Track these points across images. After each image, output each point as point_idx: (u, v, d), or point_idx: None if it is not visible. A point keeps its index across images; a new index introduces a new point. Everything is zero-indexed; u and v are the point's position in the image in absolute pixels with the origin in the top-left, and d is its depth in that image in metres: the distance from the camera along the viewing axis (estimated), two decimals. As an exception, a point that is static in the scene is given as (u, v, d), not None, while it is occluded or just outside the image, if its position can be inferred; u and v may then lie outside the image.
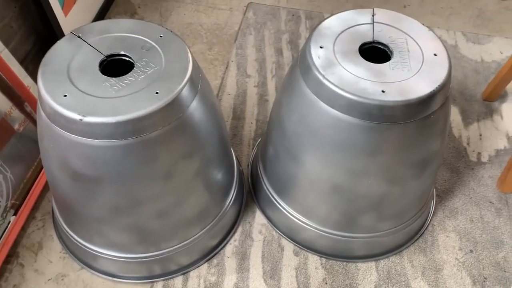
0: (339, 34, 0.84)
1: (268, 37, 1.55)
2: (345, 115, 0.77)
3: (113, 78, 0.75)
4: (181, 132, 0.78)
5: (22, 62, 1.21)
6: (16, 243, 1.03)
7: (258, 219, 1.09)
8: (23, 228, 1.05)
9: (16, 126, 1.09)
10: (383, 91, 0.74)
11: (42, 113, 0.75)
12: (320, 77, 0.78)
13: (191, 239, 0.94)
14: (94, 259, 0.96)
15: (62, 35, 1.31)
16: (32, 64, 1.26)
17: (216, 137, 0.89)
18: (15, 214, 1.05)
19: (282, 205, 1.03)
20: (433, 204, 1.13)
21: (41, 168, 1.15)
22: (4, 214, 1.03)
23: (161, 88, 0.73)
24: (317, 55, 0.81)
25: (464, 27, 1.63)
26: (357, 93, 0.74)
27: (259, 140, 1.23)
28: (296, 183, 0.95)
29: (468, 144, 1.27)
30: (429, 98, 0.75)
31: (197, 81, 0.79)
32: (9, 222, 1.04)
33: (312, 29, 0.86)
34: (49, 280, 0.98)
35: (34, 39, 1.29)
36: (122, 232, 0.88)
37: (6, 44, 1.12)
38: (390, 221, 0.97)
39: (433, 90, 0.75)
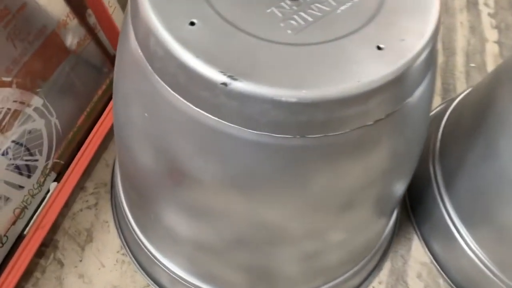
0: None
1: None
2: None
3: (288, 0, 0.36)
4: (394, 132, 0.39)
5: None
6: (55, 226, 0.68)
7: (416, 253, 0.71)
8: (67, 204, 0.69)
9: (71, 46, 0.72)
10: None
11: (136, 50, 0.36)
12: None
13: (329, 284, 0.58)
14: (171, 283, 0.61)
15: None
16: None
17: (422, 139, 0.50)
18: (57, 179, 0.71)
19: (467, 240, 0.65)
20: None
21: (100, 111, 0.79)
22: (42, 179, 0.68)
23: (387, 38, 0.34)
24: None
25: None
26: None
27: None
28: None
29: None
30: None
31: (436, 37, 0.38)
32: (48, 191, 0.69)
33: None
34: (98, 296, 0.64)
35: None
36: (234, 270, 0.51)
37: None
38: None
39: None
